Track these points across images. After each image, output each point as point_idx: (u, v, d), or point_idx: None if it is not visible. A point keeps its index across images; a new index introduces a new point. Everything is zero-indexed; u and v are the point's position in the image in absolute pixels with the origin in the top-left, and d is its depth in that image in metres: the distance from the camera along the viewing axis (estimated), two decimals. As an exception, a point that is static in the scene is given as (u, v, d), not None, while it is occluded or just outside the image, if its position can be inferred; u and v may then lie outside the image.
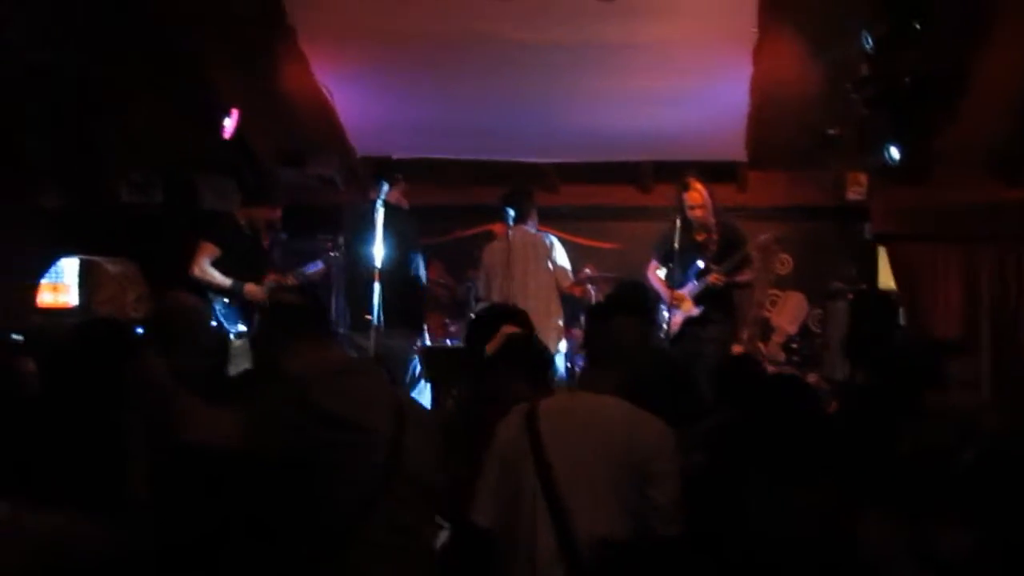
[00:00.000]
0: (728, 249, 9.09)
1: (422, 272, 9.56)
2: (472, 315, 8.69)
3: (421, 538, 4.31)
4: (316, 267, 9.23)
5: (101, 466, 3.75)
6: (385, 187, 8.92)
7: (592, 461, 4.15)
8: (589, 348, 4.77)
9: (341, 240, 9.78)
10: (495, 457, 4.37)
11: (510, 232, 9.20)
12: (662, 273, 9.39)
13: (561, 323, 9.39)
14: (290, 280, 9.01)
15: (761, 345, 10.88)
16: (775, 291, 11.20)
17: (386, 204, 9.02)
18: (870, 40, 8.13)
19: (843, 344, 9.15)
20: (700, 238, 9.17)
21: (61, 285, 10.53)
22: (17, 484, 3.63)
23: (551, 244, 9.46)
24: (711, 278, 8.94)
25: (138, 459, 3.95)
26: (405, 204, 9.50)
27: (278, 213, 9.25)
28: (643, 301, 7.34)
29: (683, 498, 4.18)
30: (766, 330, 11.06)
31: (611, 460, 4.14)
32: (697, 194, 9.18)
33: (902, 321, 9.84)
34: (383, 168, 9.75)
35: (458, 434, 4.75)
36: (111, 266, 10.70)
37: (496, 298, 9.14)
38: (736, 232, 9.29)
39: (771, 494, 4.36)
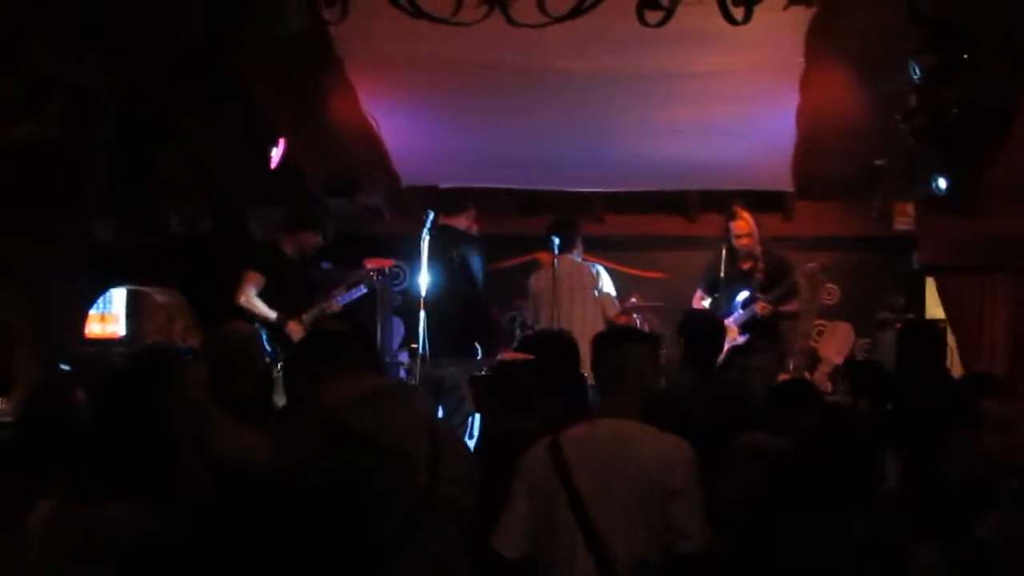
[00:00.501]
0: (774, 278, 9.11)
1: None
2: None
3: (455, 566, 4.30)
4: (359, 292, 9.28)
5: (147, 472, 3.84)
6: (431, 216, 9.00)
7: (620, 486, 4.18)
8: (594, 375, 4.74)
9: (387, 269, 9.88)
10: (521, 489, 4.36)
11: (556, 261, 9.22)
12: (708, 303, 9.40)
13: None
14: (332, 306, 9.07)
15: (808, 375, 10.80)
16: (822, 321, 11.17)
17: (446, 231, 9.14)
18: (918, 70, 8.09)
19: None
20: (746, 267, 9.22)
21: (109, 316, 10.63)
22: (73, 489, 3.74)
23: (597, 273, 9.48)
24: (757, 307, 8.97)
25: (182, 466, 4.01)
26: (474, 231, 9.59)
27: (320, 239, 9.32)
28: (704, 331, 7.29)
29: (706, 515, 4.19)
30: (813, 360, 11.01)
31: (637, 482, 4.17)
32: (744, 223, 9.23)
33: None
34: (450, 197, 9.80)
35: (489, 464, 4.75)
36: (159, 296, 10.80)
37: (544, 326, 9.18)
38: (782, 261, 9.31)
39: (821, 521, 4.37)
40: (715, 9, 5.81)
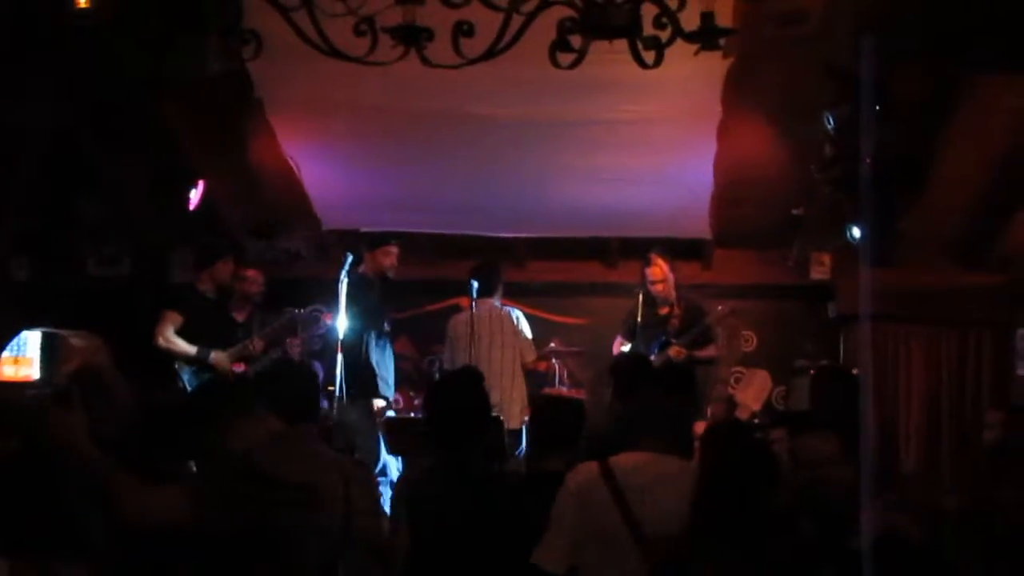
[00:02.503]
0: (689, 324, 9.21)
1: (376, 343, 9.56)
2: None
3: None
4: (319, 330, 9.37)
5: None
6: (350, 259, 9.01)
7: (670, 508, 4.51)
8: (636, 418, 5.14)
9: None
10: (569, 510, 4.72)
11: (475, 305, 9.24)
12: (627, 348, 9.46)
13: (524, 396, 9.39)
14: (255, 346, 9.07)
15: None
16: (740, 368, 11.24)
17: (358, 277, 9.15)
18: (832, 121, 8.23)
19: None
20: (663, 312, 9.33)
21: (23, 359, 10.46)
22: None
23: (516, 319, 9.53)
24: (671, 351, 9.02)
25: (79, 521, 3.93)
26: (382, 271, 9.61)
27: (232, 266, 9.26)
28: (633, 371, 7.42)
29: None
30: (730, 407, 11.07)
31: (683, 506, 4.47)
32: (658, 269, 9.35)
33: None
34: (366, 239, 9.82)
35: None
36: (75, 340, 10.63)
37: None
38: (698, 308, 9.44)
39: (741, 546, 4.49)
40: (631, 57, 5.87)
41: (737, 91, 8.46)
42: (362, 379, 9.17)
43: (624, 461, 4.82)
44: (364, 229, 10.63)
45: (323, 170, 10.11)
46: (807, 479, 4.94)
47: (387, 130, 9.45)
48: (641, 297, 9.32)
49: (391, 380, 9.64)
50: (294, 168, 9.94)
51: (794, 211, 10.21)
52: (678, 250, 9.99)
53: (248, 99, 8.97)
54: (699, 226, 10.68)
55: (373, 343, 9.48)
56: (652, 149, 9.44)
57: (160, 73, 8.20)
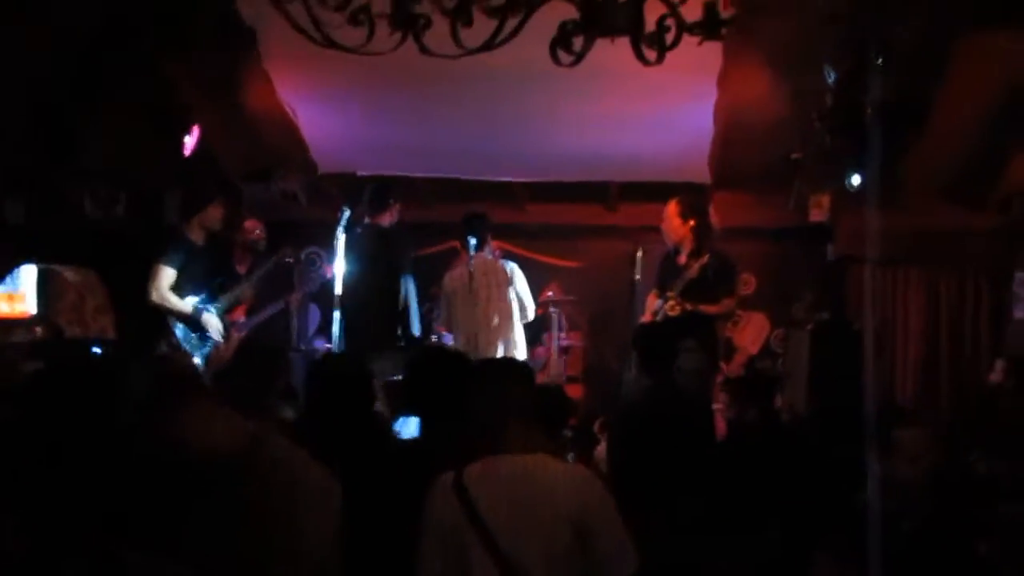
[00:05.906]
0: (704, 276, 8.75)
1: (405, 295, 9.35)
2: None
3: None
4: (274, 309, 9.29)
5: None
6: (347, 212, 8.92)
7: (534, 523, 4.14)
8: (482, 409, 4.57)
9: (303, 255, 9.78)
10: (430, 537, 4.26)
11: (471, 260, 9.15)
12: (660, 302, 9.01)
13: (524, 350, 9.35)
14: (245, 294, 9.02)
15: (723, 364, 10.84)
16: (738, 312, 11.20)
17: (368, 227, 9.13)
18: (833, 73, 8.17)
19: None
20: (680, 262, 8.94)
21: (17, 295, 10.41)
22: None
23: (511, 271, 9.39)
24: (667, 306, 8.69)
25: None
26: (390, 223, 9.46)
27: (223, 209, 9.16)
28: (651, 342, 7.16)
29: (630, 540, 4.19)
30: (728, 350, 11.07)
31: (553, 519, 4.14)
32: (664, 211, 9.04)
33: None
34: (375, 195, 9.61)
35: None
36: (70, 275, 10.63)
37: (459, 328, 9.16)
38: (721, 262, 8.93)
39: (720, 542, 4.43)
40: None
41: (738, 41, 8.37)
42: (367, 332, 9.01)
43: (477, 467, 4.30)
44: (361, 173, 10.59)
45: (319, 114, 10.06)
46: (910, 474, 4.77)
47: (384, 75, 9.32)
48: (641, 251, 9.09)
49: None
50: (290, 113, 9.87)
51: (793, 155, 10.12)
52: (677, 193, 9.86)
53: (244, 44, 8.87)
54: (698, 170, 10.65)
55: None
56: (652, 95, 9.35)
57: (159, 14, 8.14)
